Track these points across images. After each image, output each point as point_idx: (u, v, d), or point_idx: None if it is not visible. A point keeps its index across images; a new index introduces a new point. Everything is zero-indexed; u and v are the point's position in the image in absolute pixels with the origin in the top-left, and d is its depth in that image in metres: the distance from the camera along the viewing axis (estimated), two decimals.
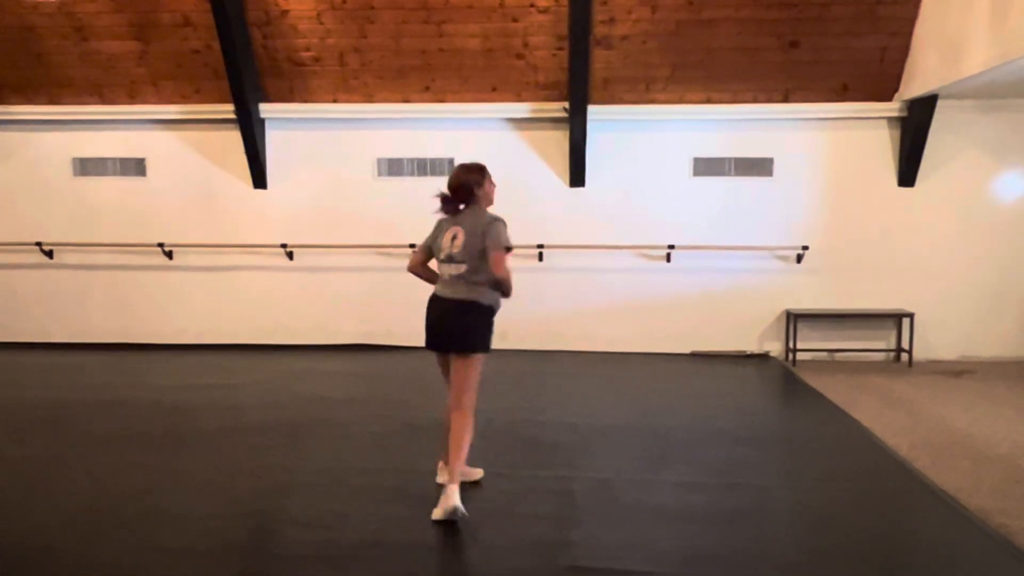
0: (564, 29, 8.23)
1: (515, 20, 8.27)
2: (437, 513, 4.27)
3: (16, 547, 4.02)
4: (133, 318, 9.63)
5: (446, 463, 4.54)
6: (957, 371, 8.37)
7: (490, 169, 8.68)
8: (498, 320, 4.73)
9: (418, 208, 9.00)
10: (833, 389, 7.45)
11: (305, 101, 9.07)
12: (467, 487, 4.80)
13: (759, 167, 8.91)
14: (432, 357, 4.77)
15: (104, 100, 9.23)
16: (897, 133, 8.75)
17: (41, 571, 3.76)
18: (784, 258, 8.99)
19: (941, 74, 7.62)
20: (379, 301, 9.36)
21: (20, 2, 8.43)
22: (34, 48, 8.84)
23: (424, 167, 9.17)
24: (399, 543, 4.03)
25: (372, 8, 8.29)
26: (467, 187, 4.72)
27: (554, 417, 6.31)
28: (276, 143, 9.24)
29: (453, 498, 4.26)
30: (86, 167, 9.47)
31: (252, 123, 8.92)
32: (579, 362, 8.73)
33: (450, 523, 4.26)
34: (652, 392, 7.51)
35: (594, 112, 8.66)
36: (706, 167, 8.96)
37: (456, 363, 4.52)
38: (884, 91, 8.59)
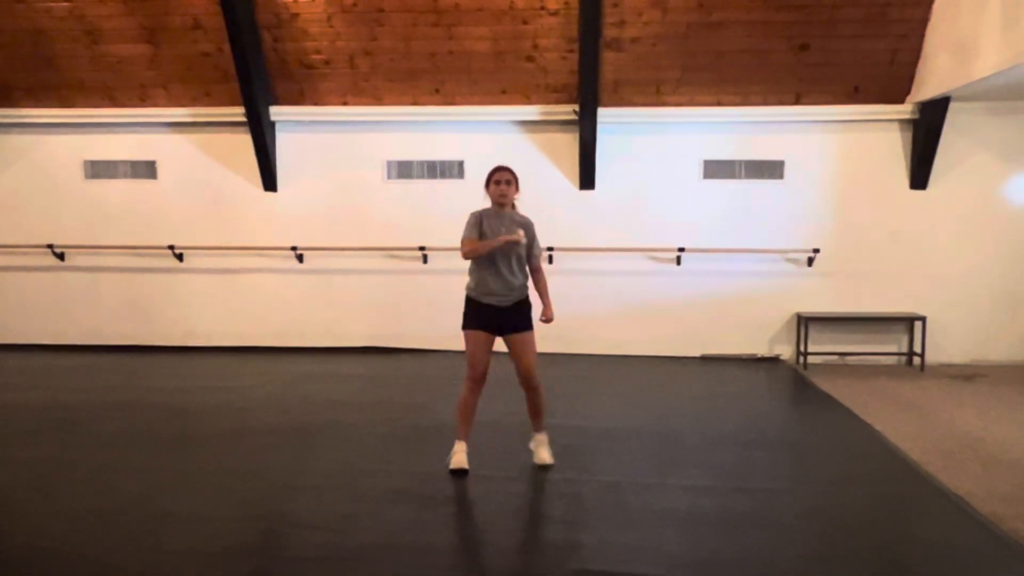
0: (574, 31, 8.22)
1: (525, 23, 8.27)
2: (548, 457, 5.16)
3: (25, 548, 4.03)
4: (143, 320, 9.66)
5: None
6: (969, 375, 8.31)
7: None
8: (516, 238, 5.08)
9: (428, 210, 9.12)
10: (844, 393, 7.41)
11: (315, 104, 9.10)
12: (472, 488, 4.81)
13: (769, 170, 8.88)
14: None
15: (115, 103, 9.27)
16: (909, 136, 8.71)
17: (50, 572, 3.76)
18: (795, 261, 8.96)
19: (953, 76, 7.59)
20: (389, 304, 9.37)
21: (31, 5, 8.48)
22: (45, 51, 8.89)
23: (434, 170, 9.18)
24: (407, 545, 4.01)
25: (382, 11, 8.30)
26: None
27: (563, 420, 6.28)
28: (286, 146, 9.26)
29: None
30: (97, 170, 9.51)
31: (262, 126, 8.94)
32: (588, 365, 8.71)
33: (461, 525, 4.26)
34: (662, 395, 7.49)
35: (604, 115, 8.66)
36: (716, 170, 8.94)
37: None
38: (895, 93, 8.55)
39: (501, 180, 5.08)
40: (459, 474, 5.01)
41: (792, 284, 8.99)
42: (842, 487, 4.95)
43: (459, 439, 5.15)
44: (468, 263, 5.12)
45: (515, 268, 5.05)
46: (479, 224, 5.05)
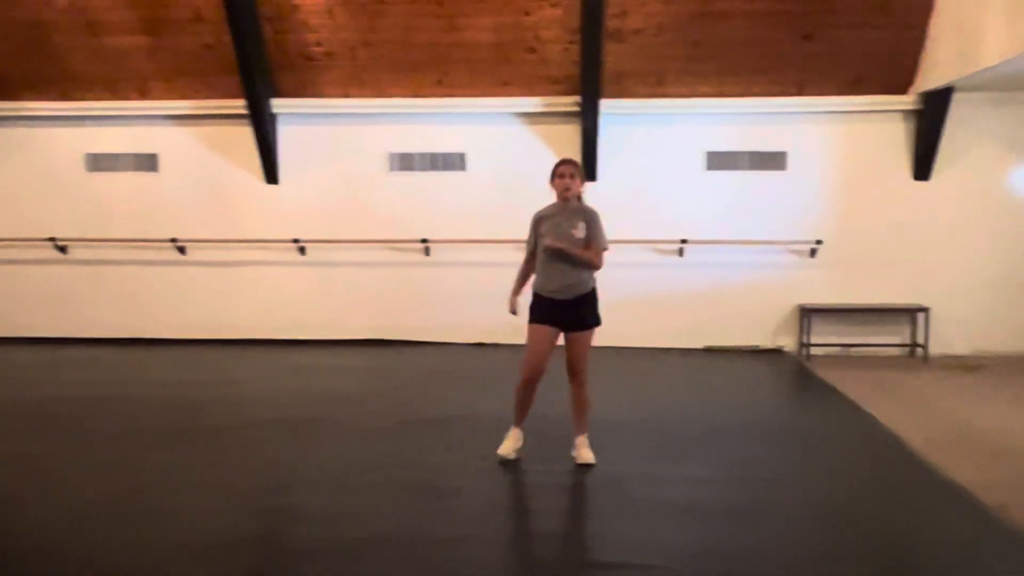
0: (576, 22, 8.19)
1: (527, 14, 8.24)
2: (590, 457, 5.07)
3: (21, 544, 4.01)
4: (145, 313, 9.65)
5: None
6: (972, 366, 8.30)
7: (502, 164, 8.68)
8: (510, 314, 5.29)
9: (430, 203, 9.11)
10: (847, 384, 7.39)
11: (316, 96, 9.07)
12: (473, 480, 4.81)
13: (772, 161, 8.86)
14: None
15: (116, 96, 9.25)
16: (912, 126, 8.68)
17: (46, 568, 3.73)
18: (798, 252, 8.93)
19: (957, 66, 7.55)
20: (390, 296, 9.36)
21: None
22: (46, 44, 8.86)
23: (436, 162, 9.16)
24: (409, 538, 4.00)
25: (383, 2, 8.27)
26: None
27: (565, 412, 6.27)
28: (287, 138, 9.24)
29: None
30: (98, 163, 9.50)
31: (264, 118, 8.93)
32: (592, 357, 8.68)
33: (463, 517, 4.29)
34: (664, 387, 7.48)
35: (606, 106, 8.62)
36: (719, 161, 8.91)
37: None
38: (899, 84, 8.51)
39: (565, 174, 5.03)
40: (503, 461, 5.09)
41: (795, 275, 8.96)
42: (845, 478, 4.94)
43: (513, 425, 5.22)
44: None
45: (573, 263, 4.98)
46: (535, 228, 5.11)
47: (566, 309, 5.00)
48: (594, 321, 5.12)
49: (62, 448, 5.57)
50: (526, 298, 5.17)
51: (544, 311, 5.03)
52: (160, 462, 5.24)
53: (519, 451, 5.18)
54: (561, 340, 5.09)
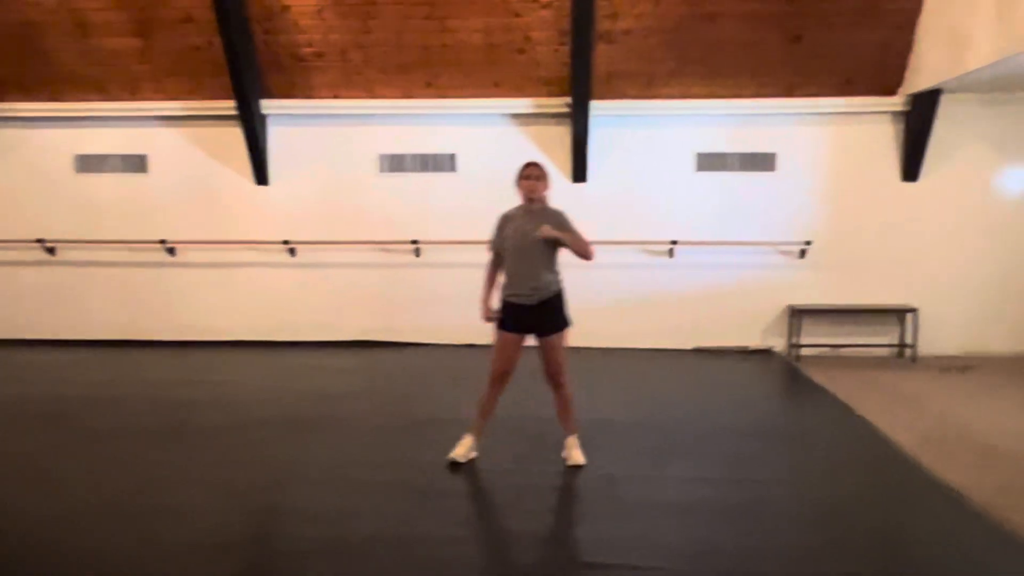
0: (567, 24, 8.20)
1: (518, 15, 8.25)
2: (580, 458, 5.09)
3: (19, 542, 4.02)
4: (135, 315, 9.61)
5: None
6: (960, 366, 8.34)
7: (493, 165, 8.71)
8: (486, 322, 5.27)
9: (420, 204, 9.10)
10: (837, 384, 7.42)
11: (307, 97, 9.05)
12: (468, 481, 4.81)
13: (762, 162, 8.89)
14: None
15: (106, 97, 9.20)
16: (901, 127, 8.73)
17: (45, 566, 3.75)
18: (787, 253, 8.97)
19: (945, 68, 7.60)
20: (382, 297, 9.35)
21: None
22: (36, 45, 8.81)
23: (426, 163, 9.15)
24: (404, 537, 4.02)
25: (374, 3, 8.26)
26: None
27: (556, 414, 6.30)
28: (278, 139, 9.22)
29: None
30: (88, 164, 9.46)
31: (254, 119, 8.90)
32: (582, 358, 8.65)
33: (457, 517, 4.30)
34: (656, 388, 7.49)
35: (596, 107, 8.64)
36: (709, 162, 8.94)
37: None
38: (888, 85, 8.56)
39: (531, 176, 5.01)
40: (452, 465, 5.04)
41: (784, 276, 9.00)
42: (835, 478, 4.97)
43: (468, 432, 5.18)
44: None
45: (537, 266, 4.96)
46: (501, 228, 5.08)
47: (533, 315, 4.97)
48: (563, 323, 5.08)
49: (58, 448, 5.57)
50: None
51: (512, 319, 5.01)
52: (157, 461, 5.25)
53: (470, 458, 5.16)
54: (533, 341, 5.06)
